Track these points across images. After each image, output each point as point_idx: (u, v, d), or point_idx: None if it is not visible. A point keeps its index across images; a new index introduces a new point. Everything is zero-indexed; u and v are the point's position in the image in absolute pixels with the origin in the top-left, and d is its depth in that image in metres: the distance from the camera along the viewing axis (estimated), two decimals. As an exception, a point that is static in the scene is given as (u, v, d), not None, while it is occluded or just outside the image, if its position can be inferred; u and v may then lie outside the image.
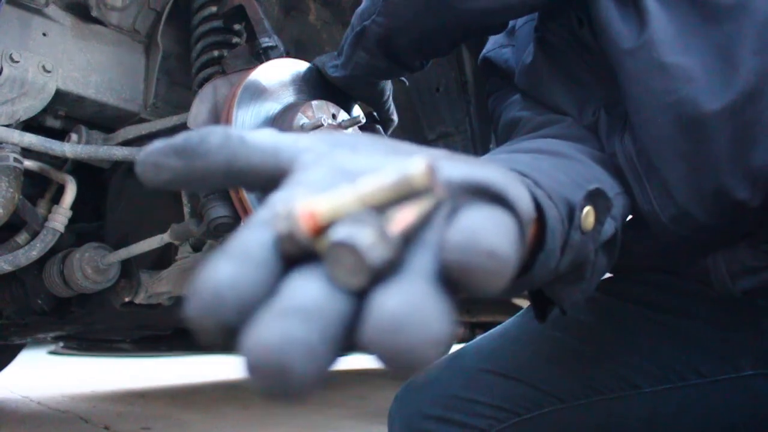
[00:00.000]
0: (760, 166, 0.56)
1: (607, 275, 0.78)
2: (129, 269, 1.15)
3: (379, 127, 1.02)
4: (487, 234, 0.22)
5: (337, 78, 0.87)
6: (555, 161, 0.55)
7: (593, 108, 0.69)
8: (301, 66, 1.03)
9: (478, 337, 0.79)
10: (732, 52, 0.57)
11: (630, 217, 0.64)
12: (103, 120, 1.05)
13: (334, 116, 0.93)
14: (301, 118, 0.96)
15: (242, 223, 0.95)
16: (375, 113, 1.01)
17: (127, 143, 1.05)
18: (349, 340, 0.21)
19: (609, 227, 0.53)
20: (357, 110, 0.97)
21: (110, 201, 1.16)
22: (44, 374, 2.57)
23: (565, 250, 0.46)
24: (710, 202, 0.58)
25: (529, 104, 0.75)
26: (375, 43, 0.76)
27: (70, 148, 0.97)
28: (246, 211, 0.92)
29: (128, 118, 1.06)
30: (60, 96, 0.97)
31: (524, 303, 1.67)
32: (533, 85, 0.76)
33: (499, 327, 0.79)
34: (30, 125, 0.95)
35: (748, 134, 0.56)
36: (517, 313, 0.80)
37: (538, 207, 0.42)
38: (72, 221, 1.03)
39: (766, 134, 0.56)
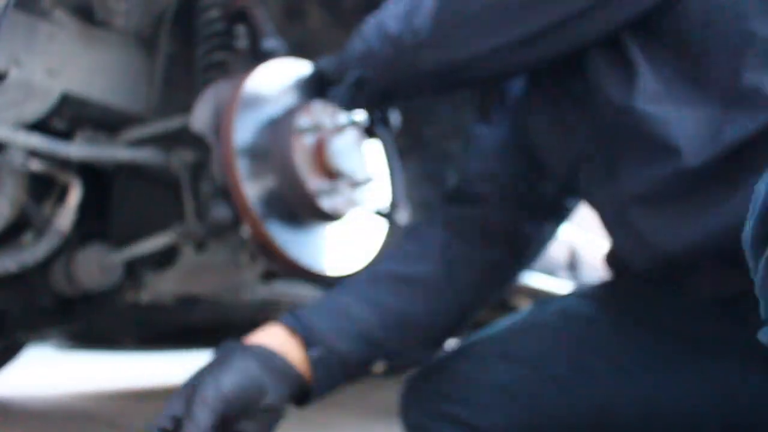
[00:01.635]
0: (740, 219, 0.58)
1: (607, 279, 0.85)
2: (133, 269, 1.16)
3: (380, 128, 1.03)
4: None
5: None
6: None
7: (575, 156, 0.75)
8: (302, 67, 1.04)
9: (489, 327, 0.87)
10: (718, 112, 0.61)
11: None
12: (107, 122, 1.07)
13: (334, 118, 0.94)
14: (303, 120, 0.98)
15: (243, 223, 0.96)
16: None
17: (131, 144, 1.07)
18: None
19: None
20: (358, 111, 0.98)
21: (115, 202, 1.17)
22: (49, 372, 2.58)
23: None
24: (690, 247, 0.61)
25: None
26: (371, 94, 0.81)
27: (75, 150, 0.98)
28: (246, 211, 0.93)
29: (132, 119, 1.07)
30: (65, 98, 0.98)
31: (522, 303, 1.68)
32: (521, 116, 0.83)
33: (507, 319, 0.87)
34: (36, 127, 0.97)
35: (729, 187, 0.59)
36: (525, 309, 0.89)
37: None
38: (77, 222, 1.04)
39: (745, 187, 0.58)
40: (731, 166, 0.59)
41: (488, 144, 0.90)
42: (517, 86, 0.83)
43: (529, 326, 0.83)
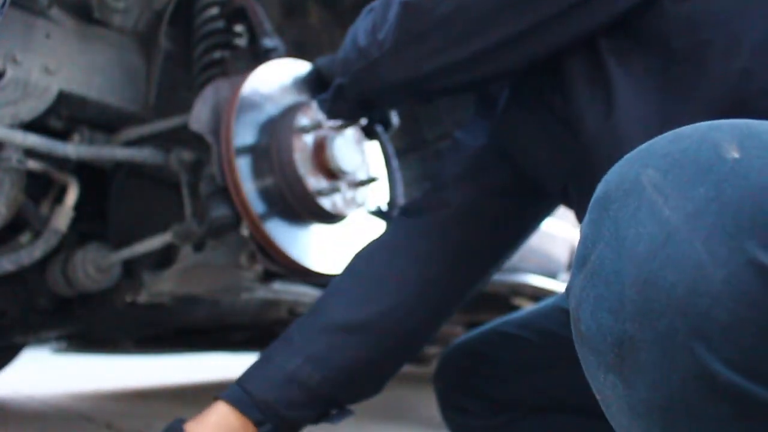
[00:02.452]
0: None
1: None
2: (131, 269, 1.16)
3: (379, 127, 1.02)
4: None
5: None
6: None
7: (563, 177, 0.75)
8: (301, 67, 1.03)
9: (512, 314, 1.01)
10: None
11: None
12: (105, 121, 1.06)
13: (334, 117, 0.94)
14: (302, 119, 0.97)
15: (243, 222, 0.95)
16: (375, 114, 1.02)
17: (129, 144, 1.06)
18: None
19: None
20: (357, 111, 0.97)
21: (112, 201, 1.16)
22: (47, 373, 2.57)
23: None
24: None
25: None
26: (350, 102, 0.82)
27: (72, 149, 0.98)
28: (246, 210, 0.92)
29: (130, 118, 1.06)
30: (63, 97, 0.97)
31: (523, 303, 1.68)
32: (504, 133, 0.83)
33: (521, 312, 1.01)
34: (33, 126, 0.96)
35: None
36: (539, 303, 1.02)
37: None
38: (74, 221, 1.04)
39: None
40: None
41: (468, 152, 0.90)
42: (503, 105, 0.83)
43: (550, 309, 0.94)
